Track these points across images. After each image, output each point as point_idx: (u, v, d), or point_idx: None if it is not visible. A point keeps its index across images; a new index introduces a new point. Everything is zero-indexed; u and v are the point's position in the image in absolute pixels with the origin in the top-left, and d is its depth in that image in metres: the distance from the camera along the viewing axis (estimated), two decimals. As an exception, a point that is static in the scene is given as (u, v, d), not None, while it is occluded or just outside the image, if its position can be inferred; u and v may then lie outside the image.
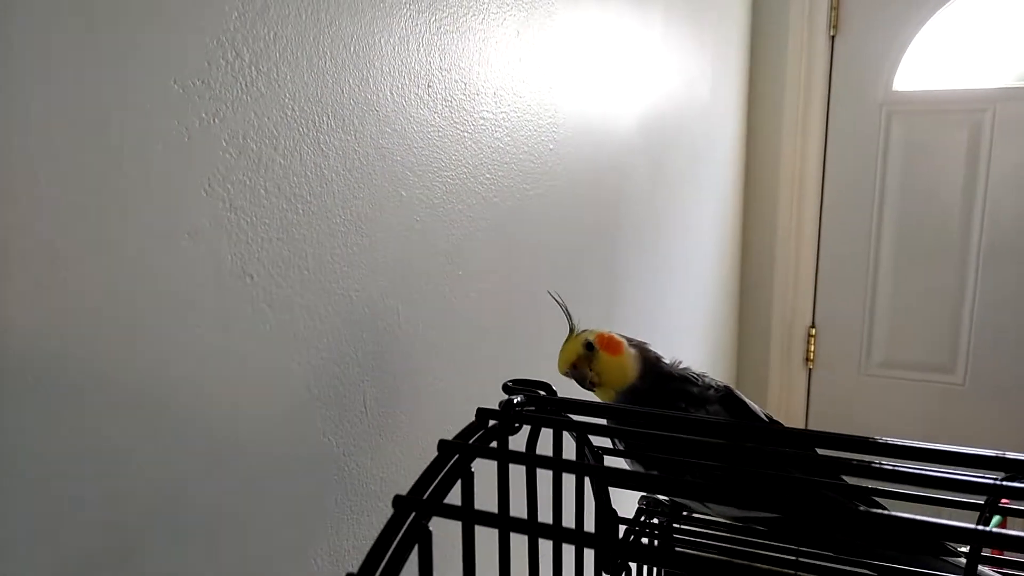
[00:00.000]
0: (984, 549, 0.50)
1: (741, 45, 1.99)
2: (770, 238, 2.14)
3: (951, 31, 1.96)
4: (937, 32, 1.96)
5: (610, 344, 0.66)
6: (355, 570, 0.35)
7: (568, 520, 0.51)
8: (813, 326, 2.18)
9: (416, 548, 0.36)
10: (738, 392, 0.66)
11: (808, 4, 2.03)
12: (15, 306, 0.41)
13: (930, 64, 1.99)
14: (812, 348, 2.18)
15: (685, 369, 0.67)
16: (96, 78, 0.44)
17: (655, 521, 0.68)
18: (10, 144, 0.40)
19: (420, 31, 0.69)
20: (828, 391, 2.19)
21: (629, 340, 0.68)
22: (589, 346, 0.66)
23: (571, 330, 0.69)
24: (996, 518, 1.32)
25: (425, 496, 0.38)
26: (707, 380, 0.66)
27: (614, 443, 0.61)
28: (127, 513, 0.48)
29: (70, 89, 0.42)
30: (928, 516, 0.38)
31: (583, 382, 0.67)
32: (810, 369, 2.20)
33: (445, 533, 0.44)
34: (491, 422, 0.45)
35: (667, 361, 0.68)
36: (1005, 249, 1.95)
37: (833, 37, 2.05)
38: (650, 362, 0.67)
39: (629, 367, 0.66)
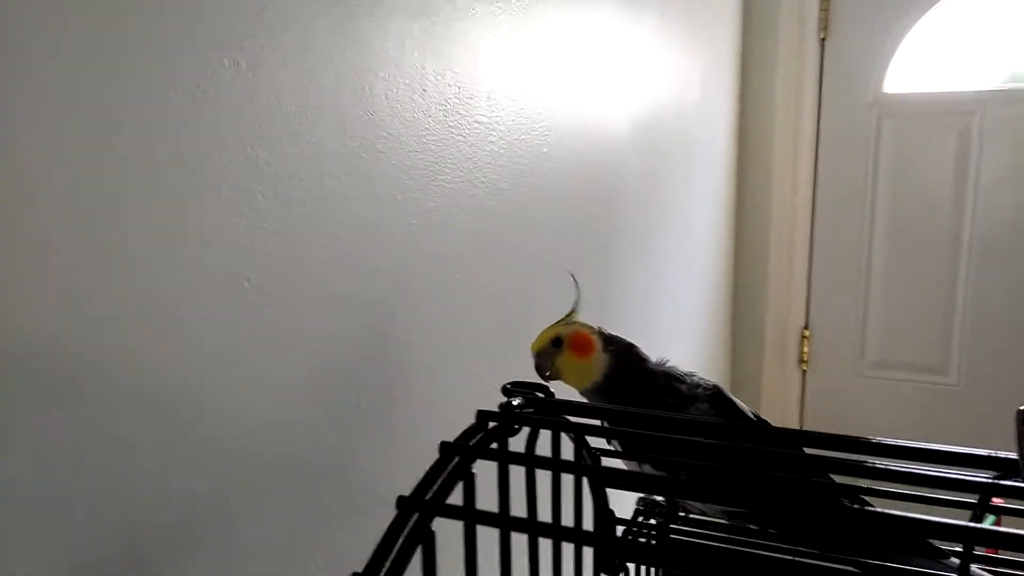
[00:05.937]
0: (978, 548, 0.51)
1: (732, 47, 2.00)
2: (763, 239, 2.15)
3: (940, 33, 1.98)
4: (926, 34, 1.98)
5: (582, 345, 0.67)
6: (358, 570, 0.35)
7: (567, 521, 0.51)
8: (807, 327, 2.19)
9: (419, 548, 0.37)
10: (727, 392, 0.67)
11: (798, 6, 2.04)
12: (25, 310, 0.41)
13: (920, 66, 2.01)
14: (806, 349, 2.19)
15: (671, 368, 0.68)
16: (101, 86, 0.44)
17: (652, 522, 0.69)
18: (21, 150, 0.40)
19: (414, 36, 0.70)
20: (822, 392, 2.20)
21: (610, 340, 0.68)
22: (556, 342, 0.68)
23: (569, 314, 0.70)
24: (991, 518, 1.32)
25: (428, 497, 0.38)
26: (695, 379, 0.67)
27: (610, 444, 0.62)
28: (130, 512, 0.48)
29: (77, 98, 0.43)
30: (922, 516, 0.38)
31: (541, 372, 0.68)
32: (804, 370, 2.21)
33: (447, 533, 0.45)
34: (490, 424, 0.46)
35: (653, 360, 0.68)
36: (996, 250, 1.96)
37: (823, 39, 2.06)
38: (625, 365, 0.67)
39: (591, 370, 0.67)
